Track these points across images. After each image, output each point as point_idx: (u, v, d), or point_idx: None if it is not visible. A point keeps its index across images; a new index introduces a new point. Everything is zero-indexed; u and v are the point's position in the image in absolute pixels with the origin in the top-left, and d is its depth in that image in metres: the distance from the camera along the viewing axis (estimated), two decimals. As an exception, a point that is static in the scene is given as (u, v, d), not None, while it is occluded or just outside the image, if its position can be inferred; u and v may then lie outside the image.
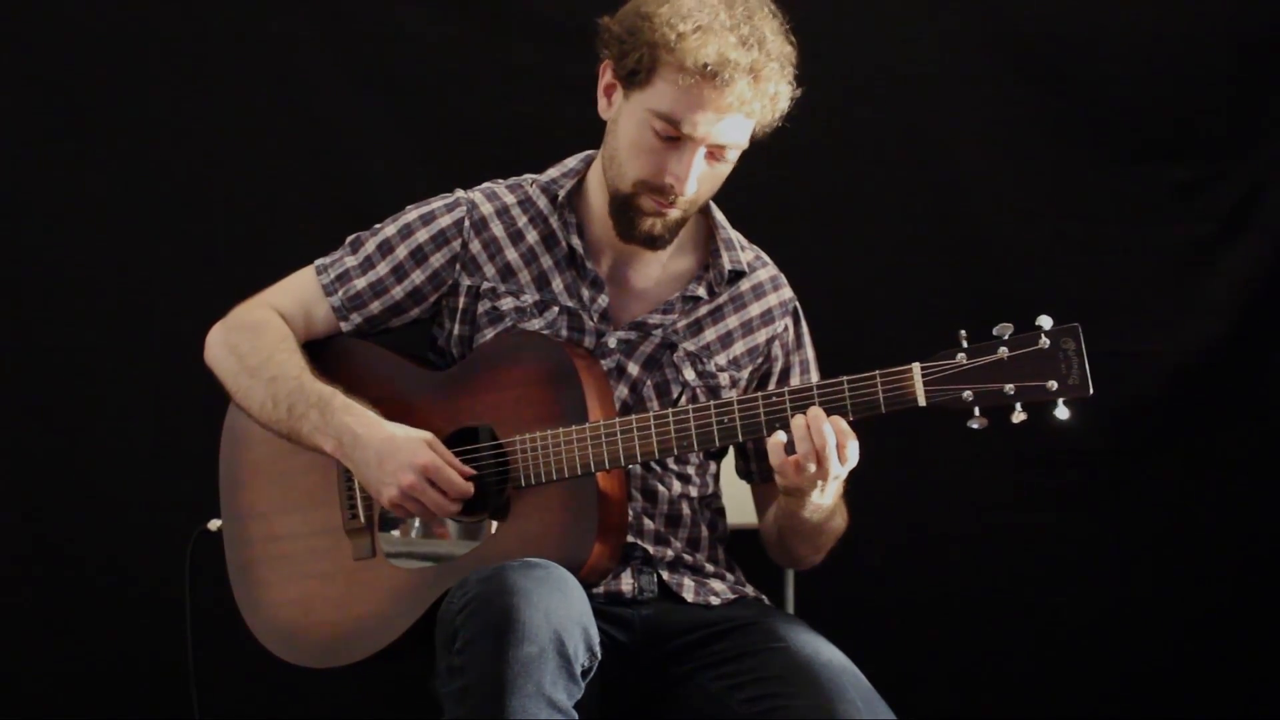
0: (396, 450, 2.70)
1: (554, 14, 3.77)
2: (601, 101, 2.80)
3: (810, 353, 3.00)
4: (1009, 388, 2.48)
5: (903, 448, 3.73)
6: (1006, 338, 2.49)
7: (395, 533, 2.81)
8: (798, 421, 2.58)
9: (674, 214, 2.77)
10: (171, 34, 3.85)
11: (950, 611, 3.82)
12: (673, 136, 2.70)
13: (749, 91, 2.66)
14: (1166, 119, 3.77)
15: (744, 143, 2.75)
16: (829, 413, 2.57)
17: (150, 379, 3.86)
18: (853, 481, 3.64)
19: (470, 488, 2.71)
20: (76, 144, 3.85)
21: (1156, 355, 3.74)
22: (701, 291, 2.89)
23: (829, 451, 2.57)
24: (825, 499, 2.68)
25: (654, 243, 2.80)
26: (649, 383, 2.86)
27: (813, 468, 2.59)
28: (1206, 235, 3.76)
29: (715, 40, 2.63)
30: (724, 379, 2.90)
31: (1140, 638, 3.78)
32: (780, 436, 2.60)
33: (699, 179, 2.74)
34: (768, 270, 2.98)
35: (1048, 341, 2.47)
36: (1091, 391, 2.45)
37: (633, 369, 2.85)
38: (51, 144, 3.85)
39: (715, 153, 2.73)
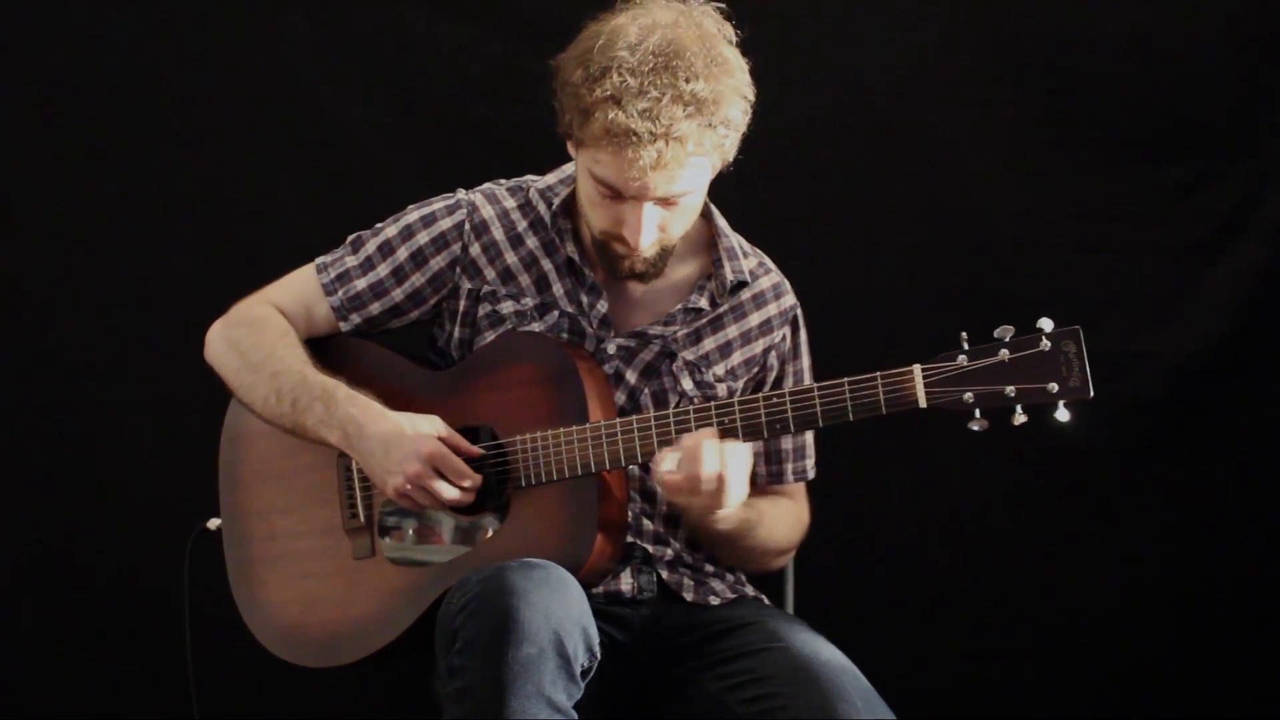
0: (402, 440, 2.70)
1: (555, 14, 3.76)
2: (567, 143, 2.80)
3: (806, 362, 2.99)
4: (1010, 389, 2.47)
5: (903, 448, 3.74)
6: (1007, 340, 2.48)
7: (395, 539, 2.80)
8: (684, 443, 2.60)
9: (648, 254, 2.76)
10: (172, 34, 3.85)
11: (950, 612, 3.82)
12: (614, 196, 2.69)
13: (668, 153, 2.61)
14: (1166, 119, 3.76)
15: (690, 188, 2.71)
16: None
17: (150, 379, 3.87)
18: (853, 482, 3.65)
19: (474, 480, 2.71)
20: (77, 144, 3.86)
21: (1156, 355, 3.74)
22: (704, 303, 2.88)
23: (706, 486, 2.58)
24: (725, 513, 2.67)
25: (642, 278, 2.80)
26: (646, 391, 2.86)
27: (697, 496, 2.60)
28: (1206, 235, 3.75)
29: (620, 111, 2.60)
30: (721, 389, 2.89)
31: (1141, 638, 3.78)
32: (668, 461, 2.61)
33: (660, 224, 2.72)
34: (770, 278, 2.96)
35: (1049, 344, 2.46)
36: (1092, 394, 2.45)
37: (631, 376, 2.85)
38: (52, 144, 3.86)
39: (666, 200, 2.71)
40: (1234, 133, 3.76)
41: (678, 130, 2.61)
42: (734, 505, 2.63)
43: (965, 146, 3.79)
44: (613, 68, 2.62)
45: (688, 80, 2.61)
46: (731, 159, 2.73)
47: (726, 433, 2.62)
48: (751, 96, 2.70)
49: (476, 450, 2.72)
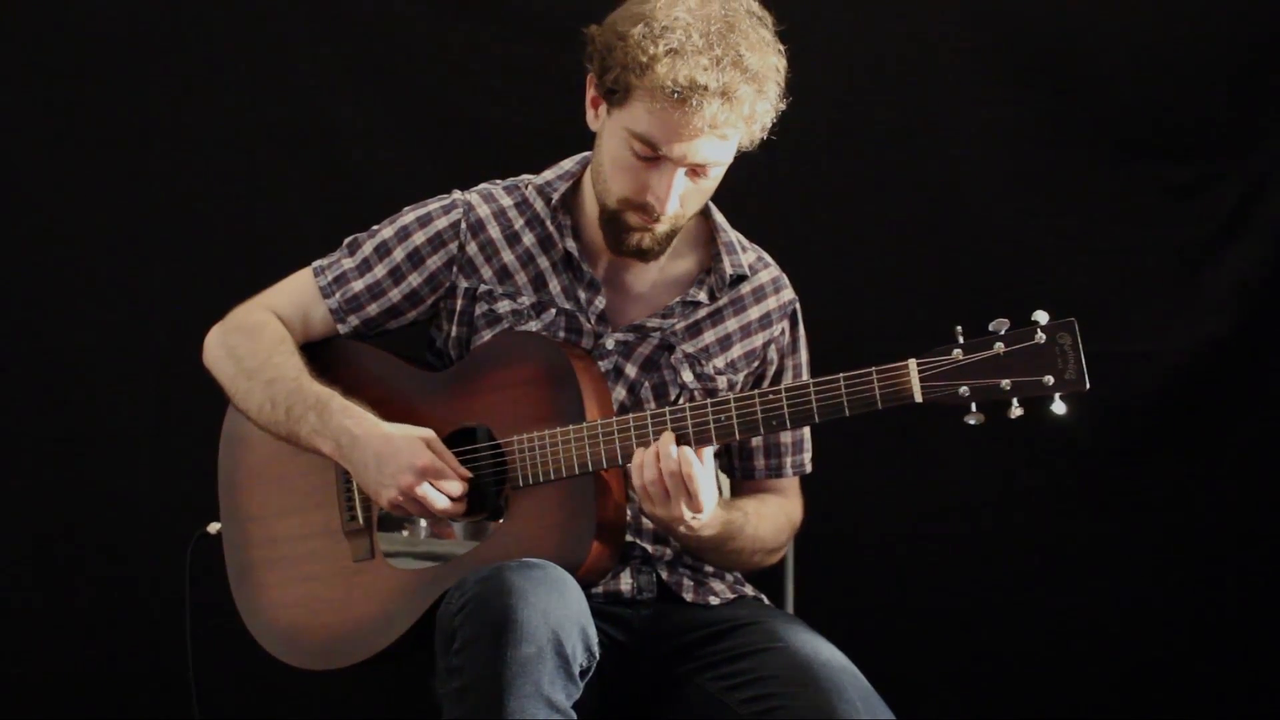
0: (395, 452, 2.70)
1: (554, 14, 3.77)
2: (589, 113, 2.79)
3: (804, 356, 2.99)
4: (1005, 383, 2.46)
5: (902, 448, 3.74)
6: (1003, 333, 2.47)
7: (404, 532, 2.81)
8: (646, 453, 2.61)
9: (661, 229, 2.76)
10: (171, 34, 3.85)
11: (950, 611, 3.82)
12: (650, 157, 2.69)
13: (722, 114, 2.63)
14: (1166, 119, 3.76)
15: (725, 160, 2.73)
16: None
17: (150, 382, 3.86)
18: (853, 482, 3.64)
19: (465, 489, 2.71)
20: (76, 144, 3.85)
21: (1156, 355, 3.73)
22: (702, 296, 2.89)
23: (672, 485, 2.59)
24: (703, 517, 2.67)
25: (644, 255, 2.79)
26: (647, 384, 2.86)
27: (666, 506, 2.61)
28: (1206, 235, 3.75)
29: (685, 64, 2.60)
30: (722, 382, 2.89)
31: (1140, 638, 3.78)
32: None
33: (682, 197, 2.72)
34: (769, 272, 2.97)
35: (1044, 336, 2.45)
36: (1088, 386, 2.44)
37: (630, 370, 2.85)
38: (51, 144, 3.86)
39: (697, 170, 2.71)
40: (1234, 133, 3.75)
41: (738, 92, 2.63)
42: (708, 506, 2.63)
43: (965, 146, 3.79)
44: (678, 26, 2.63)
45: (746, 50, 2.64)
46: (755, 144, 2.74)
47: (722, 430, 2.62)
48: (782, 84, 2.72)
49: (466, 472, 2.72)
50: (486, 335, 2.85)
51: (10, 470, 3.89)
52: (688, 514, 2.61)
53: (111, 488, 3.88)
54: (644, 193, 2.72)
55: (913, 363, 2.51)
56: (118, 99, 3.86)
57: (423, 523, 2.81)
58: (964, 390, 2.48)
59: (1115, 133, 3.77)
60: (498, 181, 2.95)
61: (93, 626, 3.89)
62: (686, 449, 2.60)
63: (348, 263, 2.90)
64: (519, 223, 2.89)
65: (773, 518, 2.89)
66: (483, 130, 3.83)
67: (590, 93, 2.77)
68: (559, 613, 2.48)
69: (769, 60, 2.68)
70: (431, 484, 2.69)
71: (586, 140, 2.90)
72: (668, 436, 2.61)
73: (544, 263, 2.87)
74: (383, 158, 3.84)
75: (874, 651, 2.80)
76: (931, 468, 3.79)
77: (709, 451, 2.64)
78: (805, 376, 2.97)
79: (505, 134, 3.79)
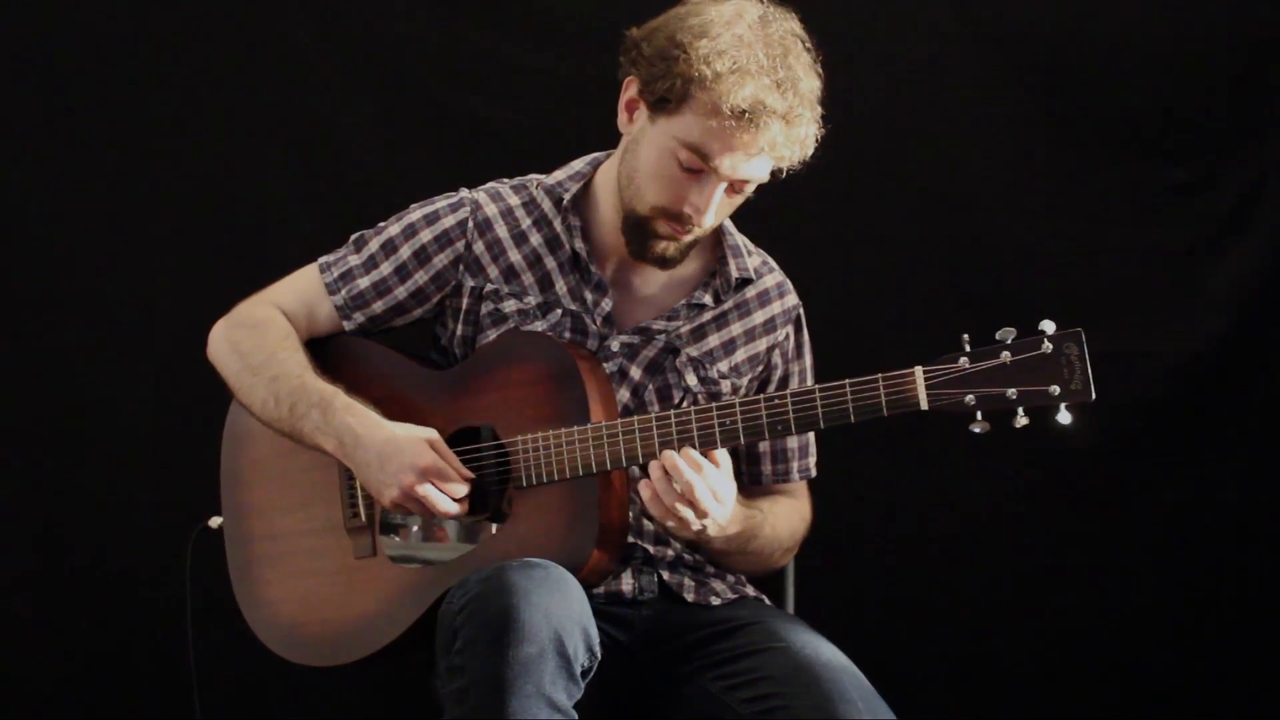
0: (398, 451, 2.70)
1: (554, 14, 3.78)
2: (621, 115, 2.78)
3: (809, 361, 3.00)
4: (1011, 392, 2.47)
5: (904, 447, 3.74)
6: (1009, 342, 2.47)
7: (396, 538, 2.81)
8: (656, 472, 2.61)
9: (688, 239, 2.76)
10: (172, 34, 3.86)
11: (950, 611, 3.83)
12: (696, 168, 2.69)
13: (781, 136, 2.64)
14: (1166, 119, 3.76)
15: (765, 178, 2.74)
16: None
17: (151, 377, 3.87)
18: (854, 482, 3.65)
19: (468, 490, 2.71)
20: (77, 144, 3.86)
21: (1156, 355, 3.74)
22: (708, 299, 2.89)
23: (698, 496, 2.59)
24: (719, 524, 2.67)
25: (665, 263, 2.79)
26: (651, 387, 2.86)
27: (688, 514, 2.61)
28: (1206, 235, 3.76)
29: (752, 83, 2.61)
30: (726, 386, 2.89)
31: (1140, 638, 3.79)
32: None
33: (716, 209, 2.73)
34: (774, 276, 2.97)
35: (1050, 346, 2.45)
36: (1094, 397, 2.44)
37: (635, 373, 2.85)
38: (52, 144, 3.86)
39: (736, 186, 2.72)
40: (1234, 133, 3.76)
41: (798, 116, 2.65)
42: (729, 501, 2.63)
43: (965, 146, 3.80)
44: (743, 44, 2.64)
45: (801, 73, 2.66)
46: (794, 167, 2.74)
47: (727, 433, 2.62)
48: (820, 109, 2.72)
49: (469, 473, 2.72)
50: (492, 334, 2.85)
51: (11, 467, 3.90)
52: (715, 514, 2.61)
53: (112, 482, 3.88)
54: (681, 203, 2.72)
55: (919, 370, 2.52)
56: (118, 99, 3.86)
57: (415, 526, 2.81)
58: (970, 399, 2.49)
59: (1115, 133, 3.78)
60: (505, 181, 2.94)
61: (93, 622, 3.90)
62: (691, 454, 2.60)
63: (354, 259, 2.90)
64: (526, 222, 2.88)
65: (786, 515, 2.90)
66: (483, 130, 3.83)
67: (628, 95, 2.76)
68: (561, 613, 2.48)
69: (815, 84, 2.70)
70: (434, 484, 2.69)
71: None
72: (669, 456, 2.60)
73: (551, 263, 2.87)
74: (383, 157, 3.85)
75: (874, 651, 2.80)
76: (931, 468, 3.80)
77: (722, 452, 2.64)
78: (810, 382, 2.97)
79: (506, 134, 3.79)
